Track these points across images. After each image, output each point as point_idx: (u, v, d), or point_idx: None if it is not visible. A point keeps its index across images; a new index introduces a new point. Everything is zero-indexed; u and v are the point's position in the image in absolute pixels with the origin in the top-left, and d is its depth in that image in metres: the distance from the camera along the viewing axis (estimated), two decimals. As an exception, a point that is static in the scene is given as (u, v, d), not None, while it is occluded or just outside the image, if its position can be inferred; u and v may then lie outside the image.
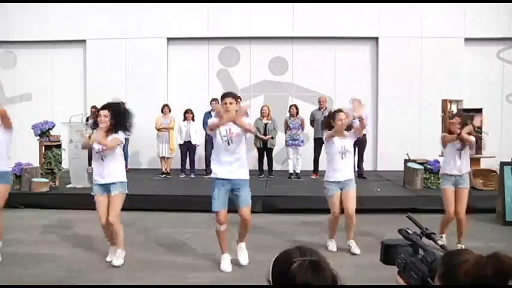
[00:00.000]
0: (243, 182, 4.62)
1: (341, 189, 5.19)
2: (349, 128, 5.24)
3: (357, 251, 5.13)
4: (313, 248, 1.40)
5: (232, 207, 4.73)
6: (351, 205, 5.12)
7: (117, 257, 4.69)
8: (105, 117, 4.66)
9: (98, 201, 4.77)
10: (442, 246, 1.37)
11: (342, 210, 5.22)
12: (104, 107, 4.77)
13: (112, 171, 4.74)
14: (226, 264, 4.68)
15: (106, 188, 4.73)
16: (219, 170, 4.61)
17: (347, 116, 5.17)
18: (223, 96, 4.68)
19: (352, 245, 5.21)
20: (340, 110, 5.32)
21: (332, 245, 5.32)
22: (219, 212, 4.62)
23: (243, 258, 4.79)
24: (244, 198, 4.60)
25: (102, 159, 4.73)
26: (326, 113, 9.56)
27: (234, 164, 4.57)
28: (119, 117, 4.79)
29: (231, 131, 4.53)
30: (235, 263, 4.76)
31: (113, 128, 4.73)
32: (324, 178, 5.36)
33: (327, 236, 5.45)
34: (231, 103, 4.55)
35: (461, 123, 5.16)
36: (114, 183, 4.71)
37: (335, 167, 5.16)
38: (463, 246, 4.83)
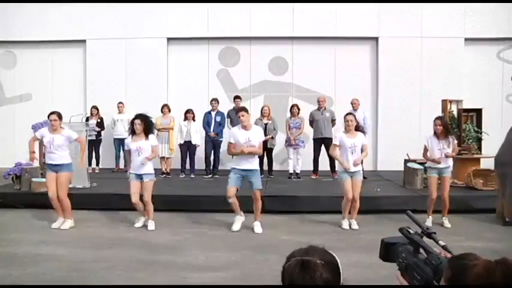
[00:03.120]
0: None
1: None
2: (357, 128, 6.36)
3: (356, 226, 6.30)
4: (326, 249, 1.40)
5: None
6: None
7: (150, 225, 6.31)
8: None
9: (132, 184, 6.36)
10: (443, 247, 1.36)
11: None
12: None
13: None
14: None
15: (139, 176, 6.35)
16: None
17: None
18: (238, 110, 6.47)
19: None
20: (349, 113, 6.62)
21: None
22: None
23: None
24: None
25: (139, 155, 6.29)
26: (326, 114, 9.60)
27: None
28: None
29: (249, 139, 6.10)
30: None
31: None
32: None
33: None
34: (243, 115, 6.06)
35: (442, 124, 6.26)
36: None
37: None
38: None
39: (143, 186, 6.29)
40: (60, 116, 6.56)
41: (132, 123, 6.34)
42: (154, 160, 10.76)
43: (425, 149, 6.51)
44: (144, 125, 6.29)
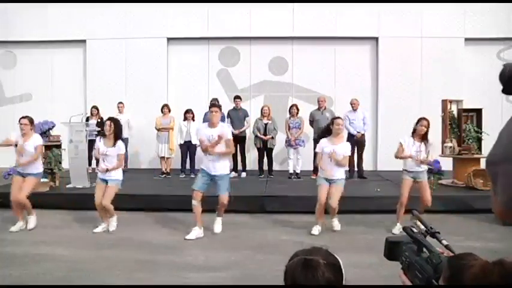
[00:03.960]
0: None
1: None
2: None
3: (338, 227, 6.22)
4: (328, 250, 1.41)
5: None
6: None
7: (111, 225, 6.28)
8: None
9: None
10: (446, 246, 1.37)
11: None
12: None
13: None
14: None
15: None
16: None
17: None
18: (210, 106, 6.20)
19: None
20: (338, 117, 6.40)
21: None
22: None
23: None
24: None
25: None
26: (326, 113, 9.59)
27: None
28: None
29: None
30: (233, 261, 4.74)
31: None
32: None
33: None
34: (216, 111, 5.89)
35: (427, 126, 5.97)
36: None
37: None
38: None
39: (106, 190, 6.13)
40: (31, 121, 6.38)
41: (103, 124, 6.26)
42: (154, 160, 10.92)
43: (401, 148, 6.08)
44: (115, 127, 6.11)
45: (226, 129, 6.10)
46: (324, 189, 6.01)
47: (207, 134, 5.87)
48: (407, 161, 6.06)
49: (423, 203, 6.02)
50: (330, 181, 6.02)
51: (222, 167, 5.95)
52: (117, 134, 6.15)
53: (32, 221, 6.32)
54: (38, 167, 6.38)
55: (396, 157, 6.13)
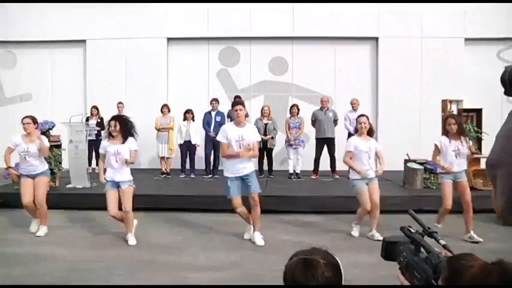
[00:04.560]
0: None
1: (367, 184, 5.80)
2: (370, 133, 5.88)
3: (379, 236, 5.68)
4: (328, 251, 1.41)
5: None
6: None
7: (131, 239, 5.66)
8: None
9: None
10: (444, 246, 1.37)
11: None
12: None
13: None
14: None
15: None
16: None
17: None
18: (233, 104, 5.72)
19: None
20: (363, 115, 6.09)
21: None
22: None
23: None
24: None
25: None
26: (329, 114, 9.60)
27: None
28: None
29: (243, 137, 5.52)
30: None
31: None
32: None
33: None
34: (240, 109, 5.47)
35: (456, 123, 5.67)
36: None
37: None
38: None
39: (121, 194, 5.63)
40: (35, 120, 6.08)
41: (108, 125, 5.77)
42: (154, 160, 10.91)
43: (437, 151, 5.77)
44: (120, 126, 5.64)
45: (255, 130, 5.80)
46: (366, 192, 5.72)
47: (238, 134, 5.44)
48: (446, 161, 5.72)
49: (466, 209, 5.78)
50: (367, 181, 5.75)
51: (251, 164, 5.66)
52: (126, 132, 5.68)
53: (43, 230, 5.98)
54: (46, 165, 6.17)
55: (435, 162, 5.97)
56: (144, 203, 7.44)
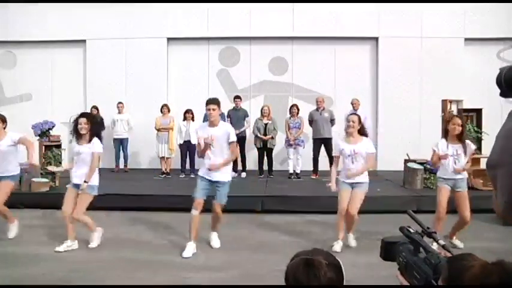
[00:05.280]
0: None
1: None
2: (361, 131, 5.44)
3: (353, 243, 5.43)
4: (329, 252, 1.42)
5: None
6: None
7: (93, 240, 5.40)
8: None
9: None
10: (443, 246, 1.37)
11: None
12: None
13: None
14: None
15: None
16: None
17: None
18: (207, 102, 5.24)
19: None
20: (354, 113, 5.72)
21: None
22: None
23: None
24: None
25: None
26: (324, 114, 9.60)
27: None
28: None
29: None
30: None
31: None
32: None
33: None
34: (213, 109, 5.11)
35: (462, 125, 5.27)
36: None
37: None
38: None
39: (78, 198, 5.29)
40: (3, 119, 5.59)
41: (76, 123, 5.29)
42: (154, 160, 10.92)
43: (435, 155, 5.34)
44: (91, 124, 5.27)
45: (229, 129, 5.32)
46: (345, 194, 5.37)
47: (206, 134, 5.13)
48: (444, 166, 5.35)
49: (459, 222, 5.42)
50: (352, 185, 5.40)
51: (223, 174, 5.22)
52: (93, 131, 5.31)
53: (14, 229, 5.74)
54: (15, 169, 5.65)
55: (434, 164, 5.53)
56: (144, 203, 7.46)
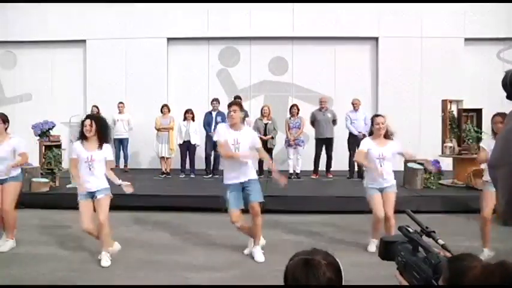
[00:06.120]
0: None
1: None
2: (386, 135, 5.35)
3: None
4: (328, 251, 1.42)
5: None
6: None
7: (104, 259, 4.80)
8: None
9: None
10: (443, 246, 1.36)
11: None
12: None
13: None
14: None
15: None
16: None
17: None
18: (229, 105, 5.08)
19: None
20: (378, 115, 5.55)
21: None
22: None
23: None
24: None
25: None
26: (327, 114, 9.61)
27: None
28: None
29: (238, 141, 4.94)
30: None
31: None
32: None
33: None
34: (235, 111, 4.90)
35: (503, 121, 5.14)
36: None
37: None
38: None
39: (97, 205, 4.84)
40: (4, 119, 5.28)
41: (82, 125, 4.90)
42: (154, 160, 10.92)
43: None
44: (97, 127, 4.85)
45: (254, 134, 5.23)
46: (378, 199, 5.22)
47: (233, 138, 4.90)
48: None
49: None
50: (381, 188, 5.27)
51: (252, 171, 5.04)
52: (102, 136, 4.90)
53: (8, 245, 5.25)
54: (14, 171, 5.32)
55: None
56: (144, 203, 7.46)
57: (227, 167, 5.05)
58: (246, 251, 5.18)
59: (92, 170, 4.81)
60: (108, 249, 4.82)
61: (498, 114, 5.25)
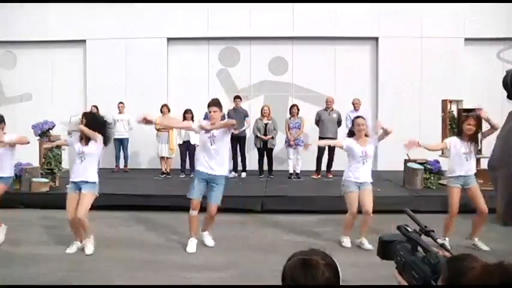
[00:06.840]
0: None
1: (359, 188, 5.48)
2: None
3: (369, 246, 5.33)
4: (326, 251, 1.42)
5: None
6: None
7: (88, 247, 5.17)
8: None
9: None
10: (441, 245, 1.36)
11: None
12: None
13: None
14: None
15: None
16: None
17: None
18: (209, 105, 5.35)
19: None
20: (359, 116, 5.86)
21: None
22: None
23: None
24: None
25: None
26: (333, 114, 9.62)
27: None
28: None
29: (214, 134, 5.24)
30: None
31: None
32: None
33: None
34: (215, 111, 5.19)
35: (476, 124, 5.66)
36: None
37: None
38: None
39: (80, 198, 5.10)
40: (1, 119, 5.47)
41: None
42: (154, 160, 10.91)
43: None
44: (87, 122, 5.12)
45: (226, 121, 5.62)
46: (354, 195, 5.44)
47: (208, 134, 5.24)
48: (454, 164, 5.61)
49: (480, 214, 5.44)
50: (358, 184, 5.48)
51: (221, 167, 5.28)
52: (95, 130, 5.11)
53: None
54: (8, 172, 5.57)
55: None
56: (144, 203, 7.46)
57: (200, 156, 5.46)
58: (188, 249, 5.25)
59: (83, 162, 5.13)
60: (90, 236, 5.14)
61: (471, 116, 5.76)
